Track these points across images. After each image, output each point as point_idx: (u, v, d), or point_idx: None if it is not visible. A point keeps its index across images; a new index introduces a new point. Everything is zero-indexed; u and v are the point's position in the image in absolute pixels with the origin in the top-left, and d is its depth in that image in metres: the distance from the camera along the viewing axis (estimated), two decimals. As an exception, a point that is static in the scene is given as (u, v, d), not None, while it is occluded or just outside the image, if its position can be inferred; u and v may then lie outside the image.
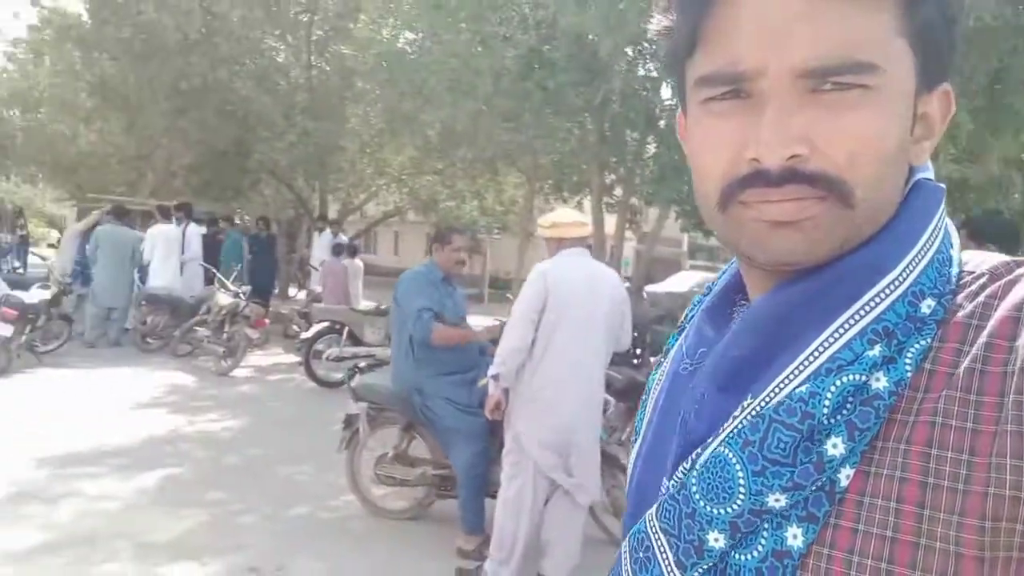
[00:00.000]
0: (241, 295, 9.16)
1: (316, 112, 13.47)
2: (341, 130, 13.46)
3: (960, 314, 0.56)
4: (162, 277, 10.13)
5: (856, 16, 0.54)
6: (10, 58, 23.11)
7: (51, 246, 26.29)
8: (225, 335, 8.81)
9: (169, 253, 10.33)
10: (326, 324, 8.23)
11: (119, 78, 12.92)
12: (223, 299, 9.04)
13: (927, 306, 0.56)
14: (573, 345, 3.53)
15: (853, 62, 0.53)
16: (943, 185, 0.63)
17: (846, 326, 0.56)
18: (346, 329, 8.14)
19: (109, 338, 10.09)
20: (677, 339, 0.78)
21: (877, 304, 0.56)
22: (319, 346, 8.04)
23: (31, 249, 16.20)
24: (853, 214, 0.56)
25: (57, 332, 9.06)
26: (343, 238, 13.38)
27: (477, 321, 8.79)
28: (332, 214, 17.26)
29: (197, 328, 9.22)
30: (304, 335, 8.40)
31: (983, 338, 0.53)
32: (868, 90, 0.54)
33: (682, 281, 20.69)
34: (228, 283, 9.50)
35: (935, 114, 0.61)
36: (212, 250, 11.93)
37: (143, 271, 10.35)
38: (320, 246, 12.76)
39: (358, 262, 10.34)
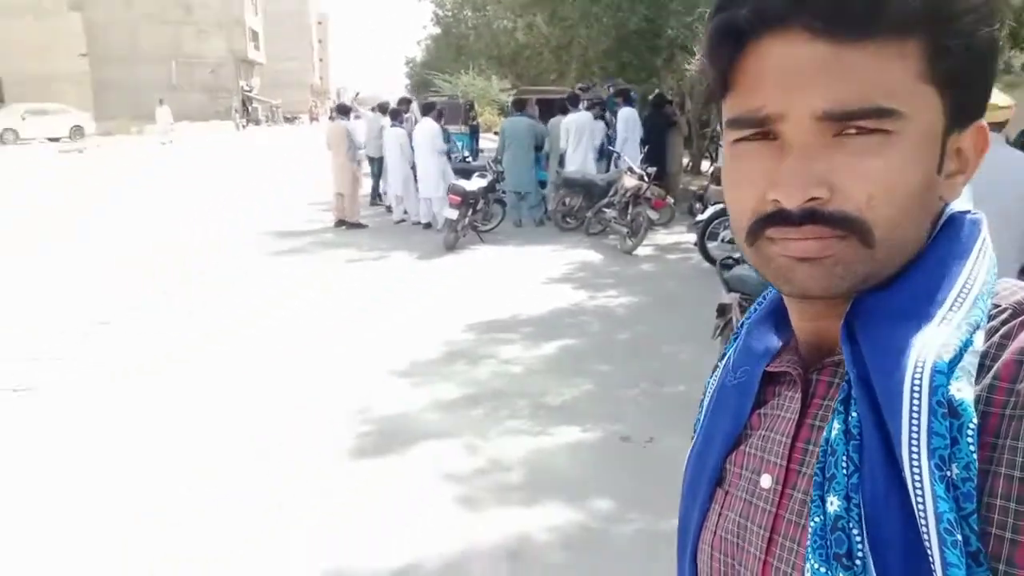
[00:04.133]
0: (645, 177, 9.56)
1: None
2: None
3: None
4: (574, 162, 11.03)
5: (878, 63, 0.54)
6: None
7: (496, 134, 29.64)
8: (629, 216, 9.36)
9: (580, 139, 11.13)
10: (720, 206, 8.23)
11: (542, -30, 13.87)
12: (628, 181, 9.55)
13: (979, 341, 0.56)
14: None
15: (873, 108, 0.54)
16: (979, 216, 0.63)
17: None
18: (739, 211, 8.03)
19: (533, 218, 11.44)
20: (732, 347, 0.77)
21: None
22: (716, 227, 8.11)
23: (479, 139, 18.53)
24: (873, 252, 0.57)
25: (494, 213, 10.55)
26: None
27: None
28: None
29: (606, 209, 9.94)
30: (699, 216, 8.54)
31: (988, 379, 0.54)
32: (889, 135, 0.55)
33: None
34: (635, 166, 9.96)
35: (969, 150, 0.61)
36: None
37: (561, 158, 11.36)
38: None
39: None
